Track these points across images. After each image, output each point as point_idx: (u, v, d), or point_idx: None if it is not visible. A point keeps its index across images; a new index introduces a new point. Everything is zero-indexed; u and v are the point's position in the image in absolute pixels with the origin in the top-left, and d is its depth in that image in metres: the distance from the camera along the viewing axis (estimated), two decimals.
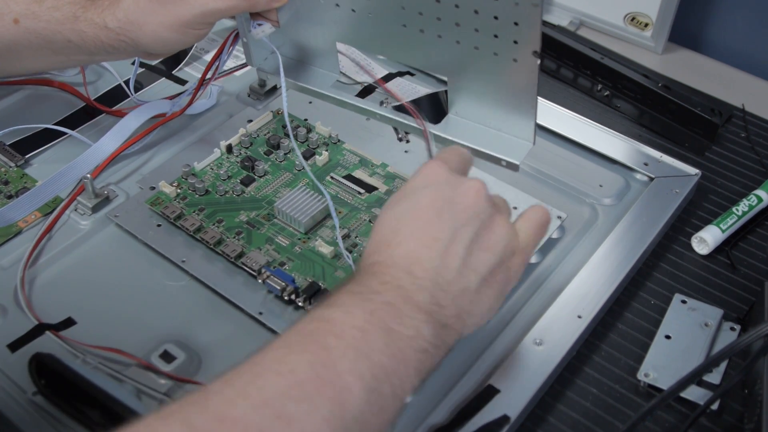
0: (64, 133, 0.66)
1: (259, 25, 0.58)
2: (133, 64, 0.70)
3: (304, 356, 0.35)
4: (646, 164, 0.65)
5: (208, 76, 0.64)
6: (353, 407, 0.34)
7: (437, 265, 0.40)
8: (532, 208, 0.45)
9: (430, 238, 0.40)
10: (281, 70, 0.59)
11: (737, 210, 0.61)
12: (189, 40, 0.57)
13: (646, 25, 0.79)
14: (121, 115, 0.65)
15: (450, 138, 0.55)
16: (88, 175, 0.59)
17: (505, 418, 0.47)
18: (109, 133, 0.62)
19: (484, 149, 0.54)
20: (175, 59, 0.75)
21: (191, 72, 0.74)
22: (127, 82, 0.70)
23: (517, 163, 0.53)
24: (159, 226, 0.58)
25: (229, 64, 0.74)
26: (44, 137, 0.66)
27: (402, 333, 0.37)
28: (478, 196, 0.42)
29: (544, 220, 0.45)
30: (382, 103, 0.60)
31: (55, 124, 0.67)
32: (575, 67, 0.76)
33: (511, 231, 0.43)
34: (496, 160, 0.54)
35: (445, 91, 0.56)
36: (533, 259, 0.57)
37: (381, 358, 0.36)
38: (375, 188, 0.61)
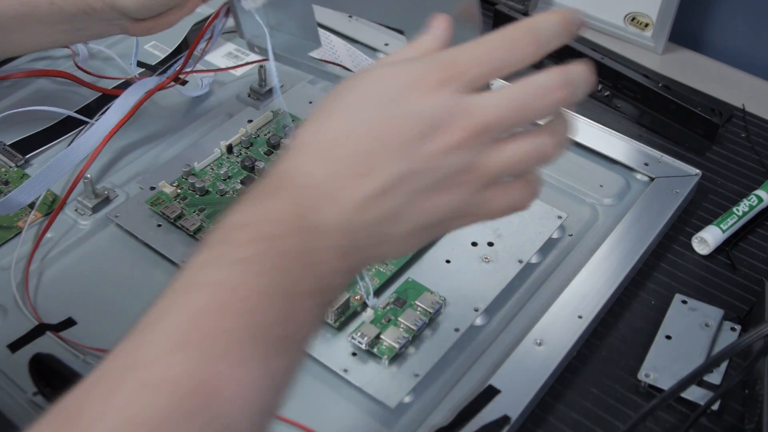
0: (64, 133, 0.66)
1: None
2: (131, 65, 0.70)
3: (189, 354, 0.29)
4: (646, 164, 0.65)
5: (201, 46, 0.63)
6: (251, 398, 0.29)
7: (357, 206, 0.33)
8: (527, 179, 0.36)
9: (366, 170, 0.32)
10: (270, 48, 0.57)
11: (738, 210, 0.61)
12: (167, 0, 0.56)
13: (647, 25, 0.79)
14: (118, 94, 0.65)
15: None
16: (88, 175, 0.59)
17: (505, 419, 0.47)
18: (108, 113, 0.62)
19: None
20: (176, 56, 0.74)
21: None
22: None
23: None
24: (159, 226, 0.58)
25: (229, 63, 0.74)
26: (44, 137, 0.66)
27: (302, 290, 0.32)
28: (456, 148, 0.33)
29: (528, 198, 0.36)
30: None
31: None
32: None
33: (473, 199, 0.34)
34: None
35: None
36: (533, 259, 0.57)
37: (278, 330, 0.31)
38: None
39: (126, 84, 0.69)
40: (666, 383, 0.50)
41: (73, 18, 0.56)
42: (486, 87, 0.34)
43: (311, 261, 0.32)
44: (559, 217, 0.59)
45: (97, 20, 0.56)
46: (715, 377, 0.50)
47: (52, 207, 0.60)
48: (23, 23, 0.56)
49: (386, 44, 0.76)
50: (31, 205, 0.59)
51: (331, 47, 0.72)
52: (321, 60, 0.70)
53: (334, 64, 0.70)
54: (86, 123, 0.66)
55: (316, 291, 0.33)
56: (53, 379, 0.48)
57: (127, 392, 0.28)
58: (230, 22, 0.62)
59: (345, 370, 0.50)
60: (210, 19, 0.62)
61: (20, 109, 0.65)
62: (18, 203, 0.57)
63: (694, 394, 0.50)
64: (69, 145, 0.62)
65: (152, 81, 0.64)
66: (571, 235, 0.60)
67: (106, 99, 0.68)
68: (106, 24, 0.57)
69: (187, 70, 0.65)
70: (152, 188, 0.61)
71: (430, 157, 0.33)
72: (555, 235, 0.59)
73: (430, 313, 0.52)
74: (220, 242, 0.32)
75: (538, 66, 0.35)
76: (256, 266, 0.31)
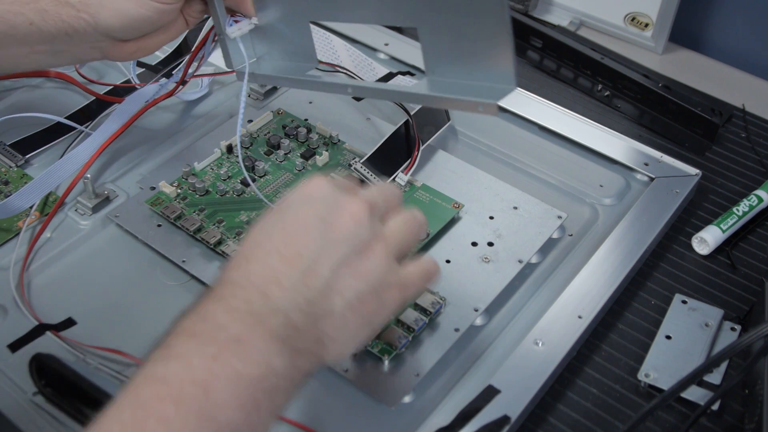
0: (64, 133, 0.66)
1: (236, 21, 0.56)
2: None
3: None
4: (646, 164, 0.65)
5: (193, 66, 0.63)
6: None
7: (297, 283, 0.37)
8: (426, 258, 0.44)
9: (294, 253, 0.38)
10: (244, 88, 0.57)
11: (738, 210, 0.61)
12: (151, 16, 0.54)
13: (647, 25, 0.79)
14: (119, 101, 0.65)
15: (428, 93, 0.52)
16: (88, 176, 0.59)
17: (505, 419, 0.47)
18: (107, 121, 0.62)
19: (460, 97, 0.50)
20: (176, 57, 0.74)
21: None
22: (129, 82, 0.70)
23: (494, 103, 0.49)
24: (159, 226, 0.58)
25: None
26: (45, 137, 0.66)
27: (251, 375, 0.34)
28: (356, 220, 0.40)
29: (432, 270, 0.44)
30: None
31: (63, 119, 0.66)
32: (575, 67, 0.76)
33: (389, 263, 0.40)
34: (474, 107, 0.50)
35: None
36: (533, 259, 0.57)
37: (227, 413, 0.33)
38: None
39: (123, 87, 0.69)
40: (666, 383, 0.50)
41: (54, 39, 0.54)
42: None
43: (245, 348, 0.35)
44: (559, 217, 0.59)
45: (78, 42, 0.55)
46: (715, 377, 0.50)
47: (52, 205, 0.60)
48: (1, 44, 0.55)
49: (386, 44, 0.76)
50: (32, 205, 0.59)
51: (332, 48, 0.72)
52: (322, 63, 0.70)
53: (334, 66, 0.70)
54: (83, 125, 0.66)
55: (263, 375, 0.35)
56: (53, 379, 0.48)
57: None
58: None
59: (345, 370, 0.50)
60: (197, 44, 0.60)
61: (11, 116, 0.65)
62: (15, 208, 0.57)
63: (694, 394, 0.50)
64: (67, 151, 0.62)
65: (151, 90, 0.64)
66: (571, 235, 0.60)
67: (104, 101, 0.68)
68: (87, 47, 0.56)
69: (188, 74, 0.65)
70: (152, 188, 0.61)
71: (338, 230, 0.39)
72: (555, 235, 0.59)
73: (430, 313, 0.52)
74: (161, 346, 0.35)
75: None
76: (188, 360, 0.34)
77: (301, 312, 0.37)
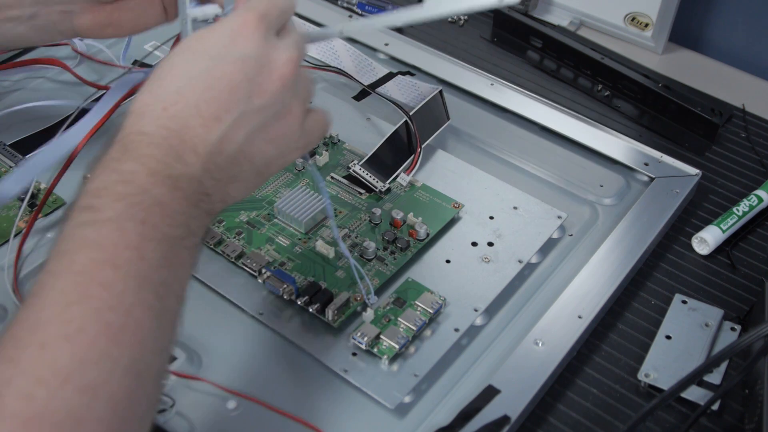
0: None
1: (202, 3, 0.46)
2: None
3: (86, 305, 0.32)
4: (646, 164, 0.65)
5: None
6: (148, 339, 0.33)
7: (212, 149, 0.37)
8: (321, 110, 0.43)
9: (213, 116, 0.37)
10: None
11: (738, 210, 0.61)
12: None
13: (647, 25, 0.79)
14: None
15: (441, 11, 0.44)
16: (88, 175, 0.59)
17: (505, 419, 0.47)
18: (97, 105, 0.61)
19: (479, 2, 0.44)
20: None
21: None
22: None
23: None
24: None
25: None
26: (45, 137, 0.66)
27: (175, 236, 0.36)
28: (284, 82, 0.39)
29: (329, 121, 0.44)
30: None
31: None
32: (575, 67, 0.76)
33: (302, 127, 0.41)
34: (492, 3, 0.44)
35: None
36: (533, 259, 0.57)
37: (161, 273, 0.35)
38: (375, 188, 0.61)
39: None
40: (666, 383, 0.50)
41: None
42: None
43: (168, 212, 0.36)
44: (559, 217, 0.59)
45: (52, 3, 0.53)
46: (715, 377, 0.50)
47: (52, 207, 0.60)
48: None
49: (386, 44, 0.76)
50: (32, 205, 0.59)
51: (332, 49, 0.72)
52: (322, 67, 0.70)
53: (334, 71, 0.70)
54: (81, 115, 0.65)
55: (183, 235, 0.36)
56: None
57: (28, 353, 0.31)
58: None
59: (345, 370, 0.50)
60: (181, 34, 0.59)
61: (22, 106, 0.65)
62: (3, 196, 0.56)
63: (694, 394, 0.50)
64: (57, 136, 0.62)
65: (139, 76, 0.63)
66: (571, 235, 0.60)
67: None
68: (58, 11, 0.53)
69: None
70: None
71: (264, 94, 0.38)
72: (555, 235, 0.59)
73: (430, 313, 0.52)
74: (84, 208, 0.35)
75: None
76: (119, 224, 0.34)
77: (213, 179, 0.38)
